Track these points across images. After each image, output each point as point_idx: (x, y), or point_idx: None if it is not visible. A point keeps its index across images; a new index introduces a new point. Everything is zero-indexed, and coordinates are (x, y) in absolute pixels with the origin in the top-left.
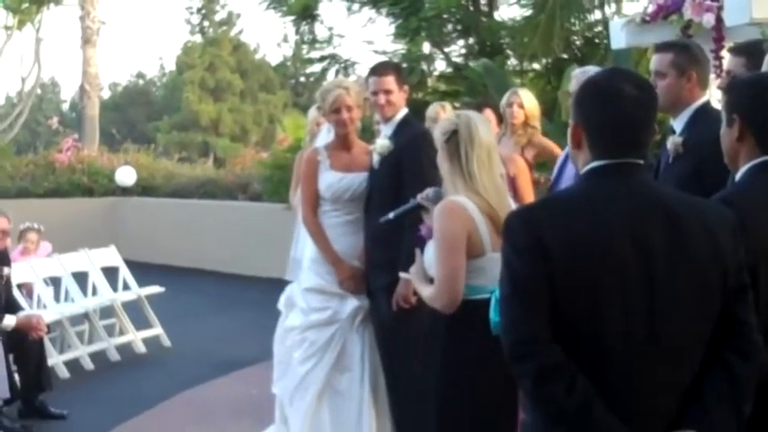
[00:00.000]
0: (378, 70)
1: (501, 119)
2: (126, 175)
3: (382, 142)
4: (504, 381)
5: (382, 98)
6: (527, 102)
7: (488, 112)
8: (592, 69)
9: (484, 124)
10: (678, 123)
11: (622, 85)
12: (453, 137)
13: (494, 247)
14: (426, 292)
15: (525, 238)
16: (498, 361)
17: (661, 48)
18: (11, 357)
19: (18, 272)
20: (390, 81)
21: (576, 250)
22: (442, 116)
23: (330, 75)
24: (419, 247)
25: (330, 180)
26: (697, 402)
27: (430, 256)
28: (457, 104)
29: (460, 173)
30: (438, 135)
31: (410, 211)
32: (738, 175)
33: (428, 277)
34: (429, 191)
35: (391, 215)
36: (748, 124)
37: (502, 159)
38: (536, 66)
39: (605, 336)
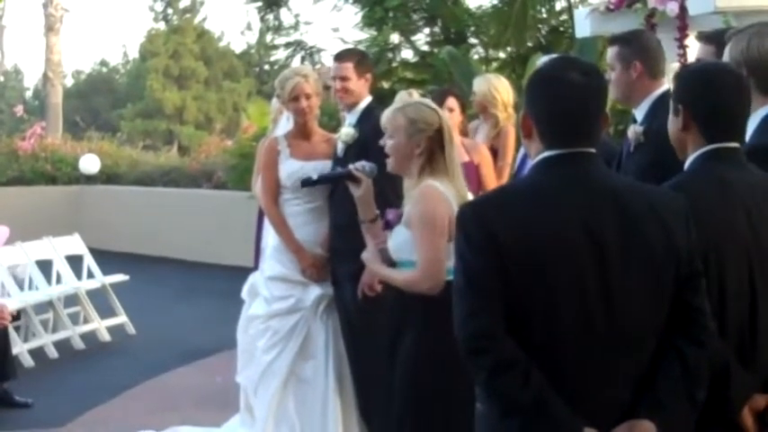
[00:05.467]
0: (338, 56)
1: (464, 107)
2: (90, 163)
3: (347, 130)
4: None
5: (338, 84)
6: (459, 102)
7: (451, 100)
8: None
9: None
10: (639, 113)
11: (568, 73)
12: (437, 134)
13: None
14: (402, 276)
15: (478, 231)
16: None
17: (611, 41)
18: None
19: None
20: (348, 68)
21: (529, 243)
22: None
23: (295, 62)
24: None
25: (291, 169)
26: (651, 391)
27: (400, 240)
28: (422, 92)
29: (443, 166)
30: (419, 126)
31: (337, 177)
32: (687, 164)
33: (390, 261)
34: (365, 163)
35: (314, 176)
36: (692, 114)
37: (465, 148)
38: (501, 54)
39: (561, 327)
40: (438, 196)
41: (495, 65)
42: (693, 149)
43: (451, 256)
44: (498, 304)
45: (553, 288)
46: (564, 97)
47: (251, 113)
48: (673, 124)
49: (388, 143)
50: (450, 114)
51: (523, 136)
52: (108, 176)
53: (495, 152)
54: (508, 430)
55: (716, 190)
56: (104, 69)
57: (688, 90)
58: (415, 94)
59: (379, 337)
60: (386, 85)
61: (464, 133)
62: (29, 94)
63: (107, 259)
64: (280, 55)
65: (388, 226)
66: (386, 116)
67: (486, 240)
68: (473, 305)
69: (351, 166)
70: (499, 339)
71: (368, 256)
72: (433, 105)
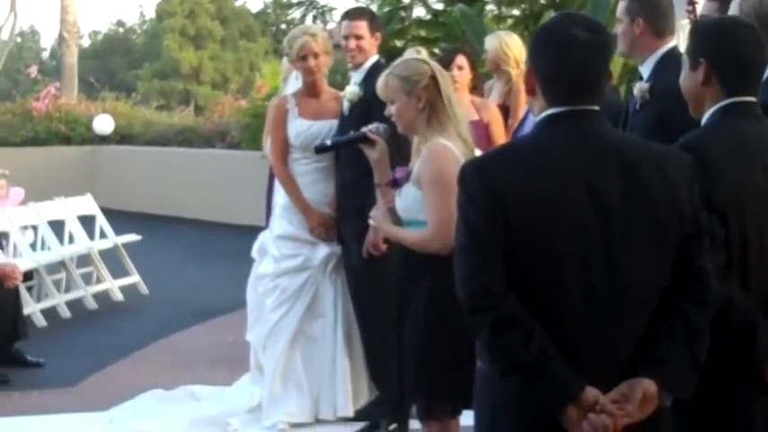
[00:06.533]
0: (351, 14)
1: (474, 65)
2: (104, 124)
3: (352, 89)
4: None
5: (353, 43)
6: (468, 60)
7: (461, 58)
8: None
9: None
10: (645, 69)
11: (572, 30)
12: (432, 81)
13: None
14: (413, 235)
15: (480, 188)
16: None
17: None
18: None
19: None
20: (362, 26)
21: (530, 200)
22: None
23: (308, 21)
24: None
25: (299, 128)
26: (652, 350)
27: (410, 198)
28: (435, 51)
29: (446, 114)
30: (414, 78)
31: (351, 141)
32: (705, 119)
33: (397, 220)
34: (378, 125)
35: (328, 142)
36: (714, 67)
37: (475, 106)
38: (515, 11)
39: (563, 286)
40: (448, 154)
41: (509, 22)
42: (711, 104)
43: None
44: (500, 261)
45: (555, 246)
46: (567, 54)
47: (265, 73)
48: (690, 79)
49: (391, 110)
50: (460, 72)
51: (527, 93)
52: (122, 137)
53: (507, 110)
54: (509, 389)
55: (736, 145)
56: (121, 29)
57: (709, 43)
58: (423, 52)
59: (386, 295)
60: (399, 43)
61: (475, 90)
62: (45, 54)
63: (119, 219)
64: (294, 14)
65: (396, 184)
66: (379, 87)
67: (488, 197)
68: (475, 262)
69: (365, 129)
70: (501, 296)
71: (377, 215)
72: (418, 56)
